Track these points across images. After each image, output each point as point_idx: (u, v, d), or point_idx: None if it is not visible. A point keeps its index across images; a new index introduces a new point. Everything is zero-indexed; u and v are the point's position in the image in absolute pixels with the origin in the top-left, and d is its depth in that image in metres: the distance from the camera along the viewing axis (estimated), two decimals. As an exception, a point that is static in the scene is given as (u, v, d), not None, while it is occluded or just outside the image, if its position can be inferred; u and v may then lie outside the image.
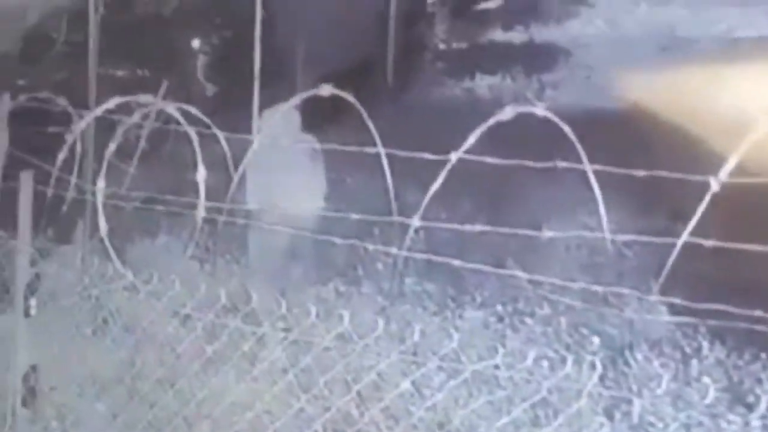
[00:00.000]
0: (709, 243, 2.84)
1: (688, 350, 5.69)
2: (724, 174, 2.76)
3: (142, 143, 7.50)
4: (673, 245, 2.92)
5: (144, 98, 4.72)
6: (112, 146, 4.37)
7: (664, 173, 3.09)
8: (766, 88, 8.14)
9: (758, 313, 2.78)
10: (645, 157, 3.29)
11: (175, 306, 4.03)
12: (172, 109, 4.41)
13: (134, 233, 7.24)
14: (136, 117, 4.82)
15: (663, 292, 3.25)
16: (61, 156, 4.61)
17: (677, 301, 3.08)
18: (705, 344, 5.68)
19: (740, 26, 11.33)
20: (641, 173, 3.12)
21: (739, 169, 2.75)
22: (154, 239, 7.50)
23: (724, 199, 2.77)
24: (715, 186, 2.77)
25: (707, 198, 2.80)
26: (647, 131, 8.48)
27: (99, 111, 4.41)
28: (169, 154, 7.98)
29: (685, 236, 2.86)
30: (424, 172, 3.64)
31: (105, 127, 5.06)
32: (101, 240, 4.29)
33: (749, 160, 2.70)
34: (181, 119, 4.36)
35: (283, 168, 6.98)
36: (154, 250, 7.30)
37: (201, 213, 4.06)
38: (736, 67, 9.82)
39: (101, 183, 4.24)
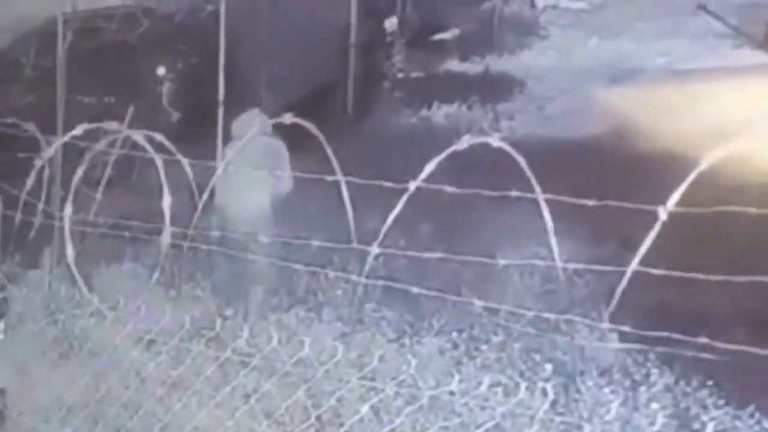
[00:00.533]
0: (657, 272, 2.88)
1: (637, 377, 5.76)
2: (671, 204, 2.81)
3: (108, 170, 7.50)
4: (623, 273, 2.96)
5: (110, 125, 4.74)
6: (79, 172, 4.38)
7: (614, 203, 3.13)
8: (714, 120, 8.29)
9: (704, 340, 2.83)
10: (596, 187, 3.33)
11: (141, 331, 4.06)
12: (138, 135, 4.42)
13: (101, 259, 7.21)
14: (102, 144, 4.83)
15: (613, 319, 3.28)
16: (29, 181, 4.61)
17: (627, 328, 3.11)
18: (654, 371, 5.76)
19: (686, 59, 11.60)
20: (592, 203, 3.16)
21: (687, 199, 2.80)
22: (120, 265, 7.50)
23: (672, 229, 2.82)
24: (663, 216, 2.80)
25: (656, 227, 2.84)
26: (598, 160, 8.62)
27: (66, 137, 4.42)
28: (135, 180, 8.00)
29: (634, 265, 2.90)
30: (383, 199, 3.69)
31: (72, 153, 5.07)
32: (68, 266, 4.28)
33: (696, 190, 2.76)
34: (147, 146, 4.37)
35: (247, 193, 7.03)
36: (120, 275, 7.29)
37: (166, 239, 4.08)
38: (684, 97, 10.03)
39: (68, 209, 4.23)
